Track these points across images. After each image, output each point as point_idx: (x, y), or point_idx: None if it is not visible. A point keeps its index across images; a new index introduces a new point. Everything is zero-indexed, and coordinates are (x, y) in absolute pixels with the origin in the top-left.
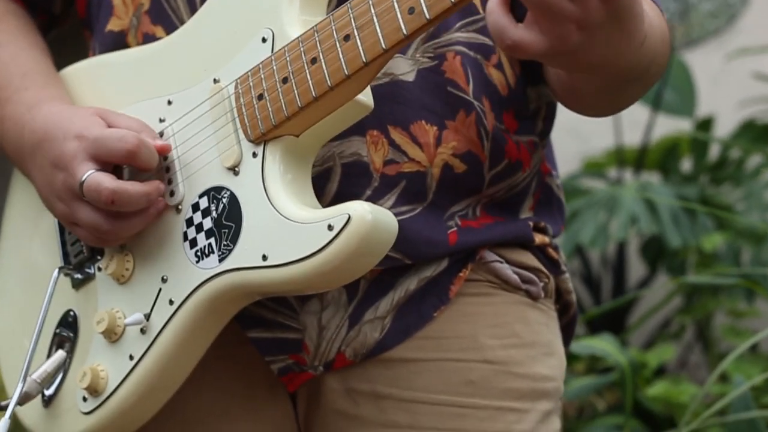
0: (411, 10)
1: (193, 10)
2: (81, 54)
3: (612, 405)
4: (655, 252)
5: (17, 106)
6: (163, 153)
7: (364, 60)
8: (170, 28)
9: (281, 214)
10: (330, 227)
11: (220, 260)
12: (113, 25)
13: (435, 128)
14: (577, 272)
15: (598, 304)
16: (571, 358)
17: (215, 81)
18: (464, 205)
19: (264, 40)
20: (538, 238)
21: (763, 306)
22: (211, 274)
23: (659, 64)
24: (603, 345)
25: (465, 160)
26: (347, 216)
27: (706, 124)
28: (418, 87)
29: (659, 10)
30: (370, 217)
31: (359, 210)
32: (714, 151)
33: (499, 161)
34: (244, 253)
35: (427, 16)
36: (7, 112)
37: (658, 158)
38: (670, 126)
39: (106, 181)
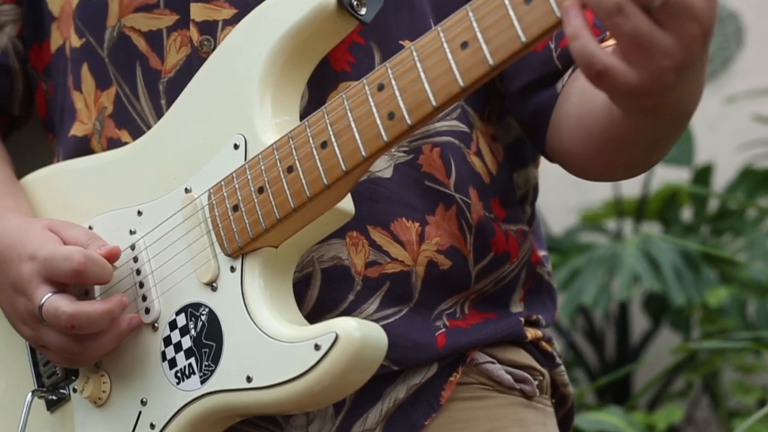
0: (391, 116)
1: (159, 113)
2: (47, 157)
3: None
4: (659, 307)
5: None
6: (113, 259)
7: (344, 169)
8: (136, 133)
9: (264, 333)
10: (317, 347)
11: (202, 382)
12: (76, 129)
13: (417, 224)
14: (580, 328)
15: (602, 359)
16: None
17: (187, 191)
18: (452, 303)
19: (236, 146)
20: (531, 333)
21: None
22: (194, 396)
23: (681, 130)
24: (611, 419)
25: (449, 256)
26: (334, 335)
27: (704, 173)
28: (396, 183)
29: None
30: (358, 335)
31: (346, 327)
32: (715, 199)
33: (484, 255)
34: (227, 374)
35: (409, 122)
36: None
37: (657, 208)
38: (668, 175)
39: (64, 304)
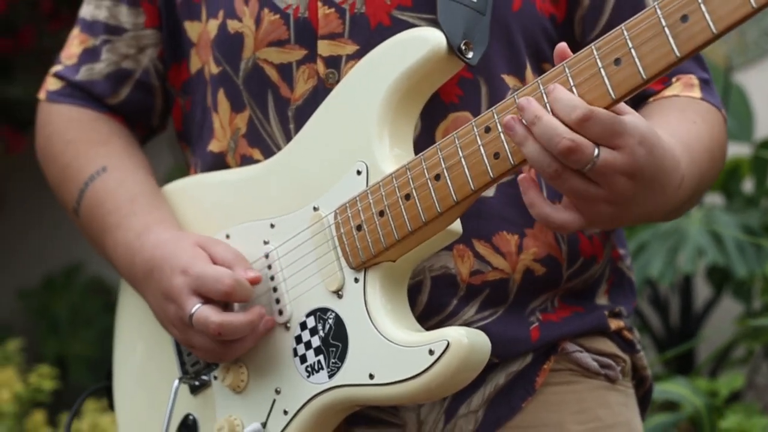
0: (496, 155)
1: (287, 136)
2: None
3: None
4: (721, 277)
5: (127, 232)
6: (256, 284)
7: (455, 199)
8: (267, 152)
9: (385, 337)
10: (431, 352)
11: (330, 377)
12: (213, 146)
13: (516, 237)
14: (646, 297)
15: (666, 326)
16: None
17: (315, 209)
18: (543, 300)
19: (359, 172)
20: (614, 324)
21: None
22: (322, 389)
23: (708, 181)
24: (677, 388)
25: (544, 263)
26: (446, 342)
27: (766, 145)
28: (498, 201)
29: (711, 108)
30: (466, 341)
31: (456, 335)
32: None
33: (575, 260)
34: (351, 371)
35: (512, 162)
36: (119, 238)
37: (720, 181)
38: (729, 151)
39: (213, 315)
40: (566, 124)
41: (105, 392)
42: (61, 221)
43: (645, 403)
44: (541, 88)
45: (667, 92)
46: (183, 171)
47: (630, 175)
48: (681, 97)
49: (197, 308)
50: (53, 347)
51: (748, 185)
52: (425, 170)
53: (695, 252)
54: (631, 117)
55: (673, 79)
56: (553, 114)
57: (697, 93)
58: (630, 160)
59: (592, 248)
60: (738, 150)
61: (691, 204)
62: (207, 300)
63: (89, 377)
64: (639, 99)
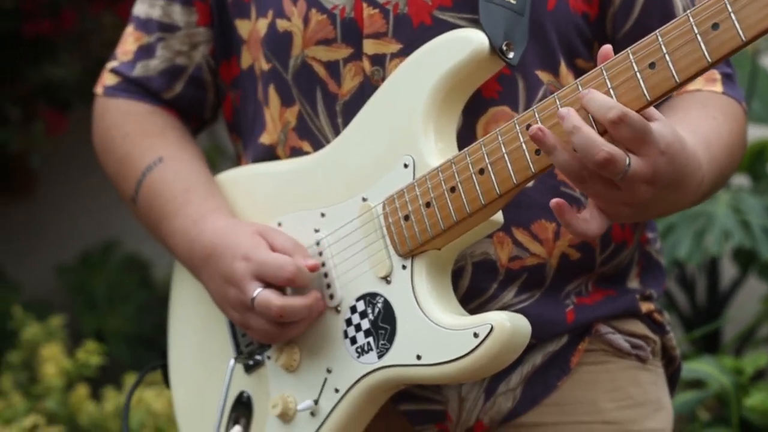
0: (537, 152)
1: (336, 130)
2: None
3: (713, 414)
4: (747, 257)
5: (184, 219)
6: (314, 271)
7: (498, 192)
8: (316, 144)
9: (431, 321)
10: (476, 335)
11: (379, 357)
12: (265, 138)
13: (554, 225)
14: (673, 276)
15: (693, 304)
16: None
17: (363, 200)
18: (578, 284)
19: (406, 166)
20: (645, 307)
21: None
22: (371, 368)
23: (727, 175)
24: (704, 367)
25: (579, 248)
26: (490, 326)
27: None
28: (537, 190)
29: (732, 101)
30: (508, 325)
31: (499, 320)
32: None
33: (607, 246)
34: (400, 352)
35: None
36: (176, 226)
37: (746, 162)
38: (756, 133)
39: (274, 298)
40: (600, 123)
41: (160, 370)
42: (98, 199)
43: (674, 381)
44: (581, 88)
45: (690, 86)
46: (218, 150)
47: (650, 182)
48: (703, 92)
49: (259, 292)
50: (91, 323)
51: None
52: (470, 165)
53: (722, 235)
54: (658, 124)
55: None
56: (589, 111)
57: (719, 87)
58: (651, 169)
59: (623, 234)
60: (765, 132)
61: (710, 195)
62: (267, 285)
63: (127, 352)
64: None
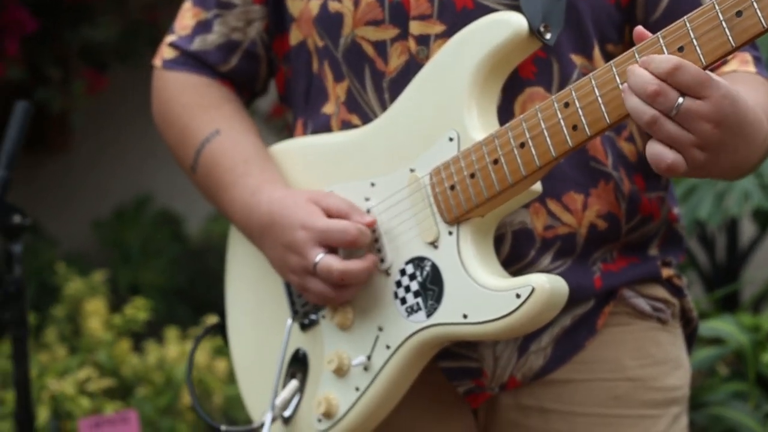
0: (575, 127)
1: (383, 105)
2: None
3: (731, 369)
4: (766, 217)
5: (243, 190)
6: (372, 226)
7: (538, 164)
8: (364, 118)
9: (477, 282)
10: (518, 296)
11: (428, 316)
12: (327, 108)
13: (582, 196)
14: (694, 234)
15: (713, 262)
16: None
17: (411, 170)
18: (604, 252)
19: (451, 139)
20: (665, 272)
21: None
22: (421, 326)
23: None
24: (724, 326)
25: (606, 219)
26: (531, 287)
27: None
28: (567, 164)
29: (767, 81)
30: (548, 287)
31: (539, 282)
32: None
33: (633, 217)
34: (447, 312)
35: (588, 133)
36: (235, 196)
37: None
38: None
39: (336, 263)
40: (659, 76)
41: (219, 331)
42: (131, 155)
43: (691, 340)
44: (614, 69)
45: (726, 68)
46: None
47: (716, 122)
48: (739, 72)
49: (321, 257)
50: (126, 277)
51: None
52: (511, 139)
53: (742, 196)
54: (715, 76)
55: (729, 57)
56: (649, 69)
57: (752, 68)
58: (715, 108)
59: (650, 207)
60: None
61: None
62: (329, 250)
63: (163, 305)
64: None
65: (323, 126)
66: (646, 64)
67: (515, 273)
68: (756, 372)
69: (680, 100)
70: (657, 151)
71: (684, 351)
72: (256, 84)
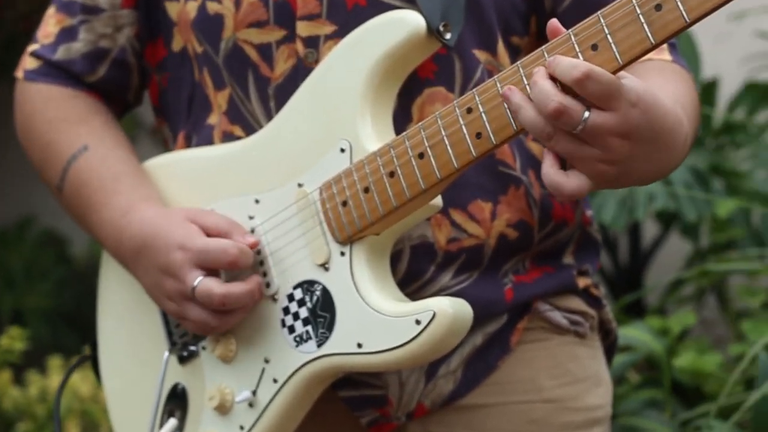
0: (479, 135)
1: (268, 114)
2: None
3: (643, 375)
4: (669, 216)
5: (113, 211)
6: (254, 247)
7: (439, 177)
8: (248, 129)
9: (372, 308)
10: (418, 322)
11: (318, 346)
12: (211, 119)
13: (490, 204)
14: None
15: (615, 263)
16: None
17: (299, 185)
18: (515, 262)
19: (342, 150)
20: (582, 282)
21: None
22: (311, 357)
23: (695, 136)
24: (634, 333)
25: (517, 228)
26: (432, 312)
27: (711, 86)
28: (473, 170)
29: (683, 70)
30: (451, 311)
31: (441, 306)
32: (720, 111)
33: (547, 224)
34: (340, 341)
35: (493, 141)
36: (104, 217)
37: None
38: None
39: (216, 286)
40: (567, 84)
41: (90, 363)
42: (13, 175)
43: (611, 353)
44: (522, 71)
45: None
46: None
47: (624, 135)
48: (655, 60)
49: (200, 280)
50: (9, 301)
51: None
52: (409, 149)
53: (646, 198)
54: (627, 80)
55: None
56: (555, 75)
57: (667, 56)
58: (622, 120)
59: (563, 212)
60: None
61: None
62: (208, 273)
63: (47, 329)
64: None
65: (207, 139)
66: (552, 68)
67: (414, 292)
68: (671, 378)
69: (586, 114)
70: (554, 180)
71: (604, 365)
72: (127, 94)
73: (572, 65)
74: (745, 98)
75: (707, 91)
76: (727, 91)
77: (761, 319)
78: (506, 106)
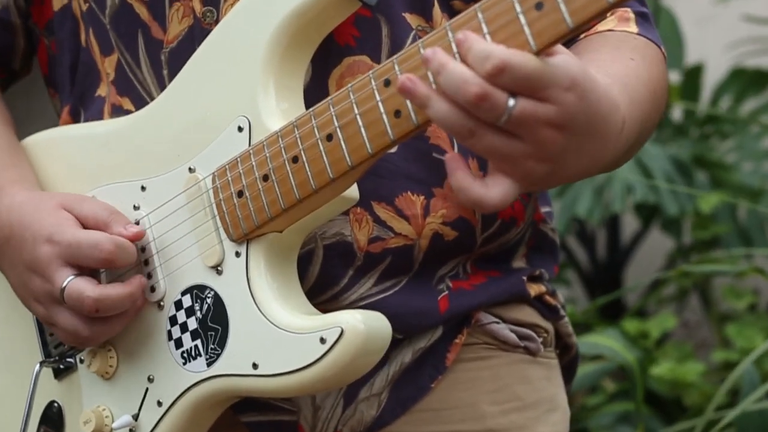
0: (397, 113)
1: (161, 83)
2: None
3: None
4: (649, 210)
5: None
6: (137, 240)
7: (350, 164)
8: (138, 101)
9: (269, 321)
10: (323, 340)
11: (208, 365)
12: (101, 90)
13: (422, 198)
14: (572, 229)
15: (593, 259)
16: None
17: (191, 170)
18: (453, 265)
19: (240, 129)
20: (534, 289)
21: (763, 262)
22: (200, 378)
23: (651, 124)
24: (608, 342)
25: (456, 226)
26: (340, 329)
27: (695, 72)
28: (402, 157)
29: (650, 44)
30: (362, 327)
31: (351, 321)
32: (705, 99)
33: (492, 222)
34: (232, 360)
35: (415, 121)
36: None
37: None
38: None
39: (88, 288)
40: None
41: None
42: None
43: (571, 371)
44: (450, 35)
45: (601, 27)
46: None
47: (558, 126)
48: (616, 32)
49: (70, 280)
50: None
51: (677, 113)
52: (315, 129)
53: (624, 189)
54: (560, 59)
55: (608, 13)
56: (466, 61)
57: (633, 27)
58: (556, 110)
59: (512, 210)
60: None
61: (635, 150)
62: (81, 272)
63: None
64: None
65: (98, 114)
66: (463, 51)
67: (328, 301)
68: (645, 389)
69: (511, 102)
70: (474, 194)
71: (561, 387)
72: (12, 61)
73: (484, 55)
74: (732, 85)
75: (691, 78)
76: (712, 78)
77: (747, 322)
78: (432, 77)
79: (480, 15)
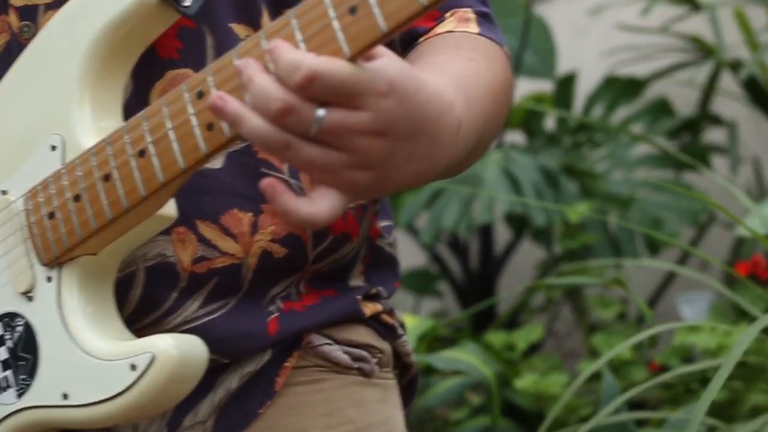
0: (210, 126)
1: None
2: None
3: (483, 396)
4: (520, 220)
5: None
6: None
7: (162, 180)
8: None
9: (80, 348)
10: (133, 367)
11: (18, 396)
12: None
13: (250, 215)
14: (444, 239)
15: (466, 269)
16: (434, 371)
17: (3, 192)
18: (285, 285)
19: (53, 148)
20: (369, 309)
21: (632, 272)
22: (10, 410)
23: (494, 125)
24: (466, 357)
25: (285, 243)
26: (151, 355)
27: (568, 81)
28: (228, 173)
29: (491, 44)
30: (175, 352)
31: (163, 346)
32: (578, 108)
33: (323, 238)
34: (43, 390)
35: (227, 134)
36: None
37: (519, 119)
38: (530, 87)
39: None
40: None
41: None
42: None
43: (410, 391)
44: (263, 43)
45: (440, 29)
46: None
47: (377, 132)
48: (456, 33)
49: None
50: None
51: (550, 123)
52: (127, 145)
53: (490, 201)
54: (378, 63)
55: (447, 15)
56: (276, 72)
57: (473, 28)
58: (372, 116)
59: (345, 224)
60: (540, 86)
61: (479, 153)
62: None
63: None
64: (409, 40)
65: None
66: (276, 61)
67: (151, 324)
68: (506, 403)
69: (320, 113)
70: (301, 213)
71: (398, 409)
72: None
73: (293, 66)
74: (605, 93)
75: (564, 86)
76: (587, 87)
77: (613, 331)
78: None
79: (294, 21)
